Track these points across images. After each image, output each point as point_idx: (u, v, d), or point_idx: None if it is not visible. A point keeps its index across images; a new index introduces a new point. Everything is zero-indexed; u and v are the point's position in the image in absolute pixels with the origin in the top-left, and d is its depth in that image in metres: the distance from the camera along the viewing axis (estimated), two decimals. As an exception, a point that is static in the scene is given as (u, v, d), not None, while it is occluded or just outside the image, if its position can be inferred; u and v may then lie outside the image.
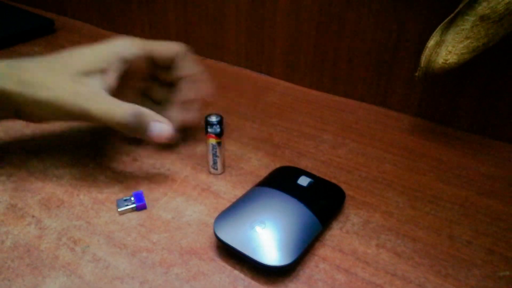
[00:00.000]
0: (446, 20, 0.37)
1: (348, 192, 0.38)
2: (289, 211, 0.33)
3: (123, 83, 0.40)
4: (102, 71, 0.38)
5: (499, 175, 0.41)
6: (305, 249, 0.31)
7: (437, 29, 0.38)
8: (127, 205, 0.36)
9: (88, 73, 0.37)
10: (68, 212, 0.35)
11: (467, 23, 0.36)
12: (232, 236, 0.31)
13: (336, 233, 0.34)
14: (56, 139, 0.44)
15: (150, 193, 0.38)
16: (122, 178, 0.39)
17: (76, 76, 0.36)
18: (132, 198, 0.36)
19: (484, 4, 0.35)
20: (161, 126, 0.36)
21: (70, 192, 0.37)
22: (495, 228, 0.35)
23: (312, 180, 0.37)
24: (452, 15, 0.37)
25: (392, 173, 0.41)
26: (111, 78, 0.38)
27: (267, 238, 0.31)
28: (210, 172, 0.40)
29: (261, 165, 0.42)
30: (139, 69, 0.42)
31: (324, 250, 0.33)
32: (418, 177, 0.41)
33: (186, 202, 0.37)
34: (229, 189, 0.39)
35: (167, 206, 0.37)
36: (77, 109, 0.35)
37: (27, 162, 0.41)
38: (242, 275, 0.31)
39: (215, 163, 0.40)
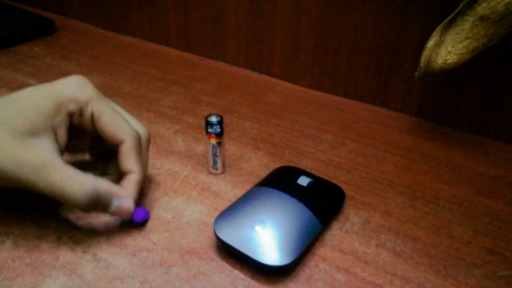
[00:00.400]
0: (445, 20, 0.37)
1: (348, 192, 0.38)
2: (289, 211, 0.33)
3: (71, 134, 0.34)
4: (52, 130, 0.31)
5: (499, 175, 0.41)
6: (305, 249, 0.31)
7: (437, 29, 0.38)
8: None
9: (35, 133, 0.30)
10: (68, 212, 0.35)
11: (467, 23, 0.36)
12: (232, 236, 0.31)
13: (336, 233, 0.34)
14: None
15: (150, 193, 0.38)
16: (122, 178, 0.39)
17: (20, 138, 0.30)
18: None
19: (484, 4, 0.35)
20: (119, 203, 0.32)
21: (70, 192, 0.37)
22: (494, 228, 0.35)
23: (312, 180, 0.37)
24: (451, 15, 0.37)
25: (392, 173, 0.41)
26: (62, 136, 0.32)
27: (267, 238, 0.31)
28: (210, 172, 0.40)
29: (261, 165, 0.42)
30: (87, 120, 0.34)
31: (324, 250, 0.33)
32: (418, 177, 0.41)
33: (186, 202, 0.37)
34: (229, 189, 0.39)
35: (167, 206, 0.37)
36: (23, 182, 0.30)
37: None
38: (242, 275, 0.31)
39: (215, 163, 0.40)
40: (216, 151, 0.39)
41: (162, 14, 0.64)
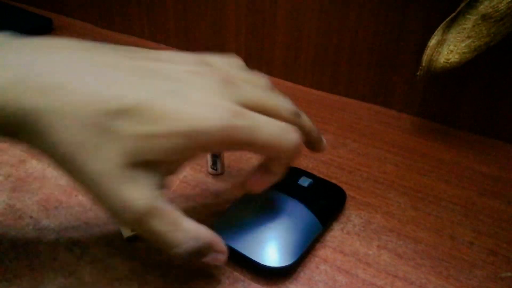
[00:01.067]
0: (447, 19, 0.37)
1: (349, 192, 0.38)
2: (289, 212, 0.33)
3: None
4: (172, 163, 0.26)
5: (501, 176, 0.41)
6: (305, 250, 0.31)
7: (439, 28, 0.38)
8: (134, 231, 0.33)
9: (149, 164, 0.24)
10: (66, 213, 0.35)
11: (469, 22, 0.36)
12: (232, 237, 0.31)
13: (337, 234, 0.34)
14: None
15: (150, 194, 0.38)
16: (121, 178, 0.39)
17: (126, 171, 0.24)
18: None
19: (486, 3, 0.35)
20: (215, 257, 0.28)
21: (69, 193, 0.37)
22: (496, 229, 0.35)
23: (313, 181, 0.36)
24: (453, 14, 0.37)
25: (393, 173, 0.41)
26: (175, 169, 0.27)
27: (267, 239, 0.31)
28: (209, 173, 0.40)
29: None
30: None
31: (325, 251, 0.33)
32: (419, 178, 0.41)
33: (185, 203, 0.37)
34: (229, 190, 0.38)
35: (166, 206, 0.36)
36: (113, 219, 0.26)
37: (26, 163, 0.40)
38: (241, 277, 0.30)
39: (214, 163, 0.39)
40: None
41: (161, 13, 0.64)
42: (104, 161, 0.23)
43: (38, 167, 0.40)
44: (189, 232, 0.26)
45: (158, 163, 0.25)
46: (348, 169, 0.41)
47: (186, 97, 0.25)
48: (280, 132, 0.27)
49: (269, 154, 0.28)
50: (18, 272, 0.30)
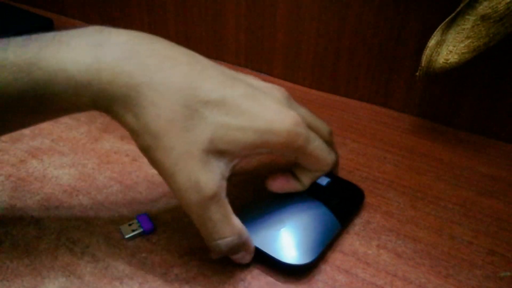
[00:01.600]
0: (447, 20, 0.37)
1: (348, 192, 0.38)
2: (307, 210, 0.33)
3: None
4: (238, 157, 0.28)
5: (500, 176, 0.41)
6: (324, 249, 0.31)
7: (438, 28, 0.38)
8: (135, 230, 0.33)
9: (221, 154, 0.27)
10: (67, 213, 0.35)
11: (468, 22, 0.36)
12: (250, 234, 0.31)
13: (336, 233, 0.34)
14: (55, 140, 0.44)
15: (150, 194, 0.38)
16: (121, 178, 0.39)
17: (205, 155, 0.27)
18: (137, 221, 0.34)
19: (485, 3, 0.35)
20: (243, 257, 0.30)
21: (69, 193, 0.37)
22: (496, 228, 0.35)
23: (331, 180, 0.36)
24: (453, 14, 0.37)
25: (393, 173, 0.41)
26: (235, 165, 0.29)
27: (286, 236, 0.31)
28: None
29: (261, 165, 0.42)
30: None
31: (325, 251, 0.33)
32: (419, 177, 0.41)
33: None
34: (230, 189, 0.38)
35: (166, 206, 0.36)
36: (180, 202, 0.27)
37: (26, 163, 0.41)
38: (241, 276, 0.30)
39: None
40: (216, 151, 0.39)
41: (162, 14, 0.64)
42: (190, 142, 0.26)
43: (38, 167, 0.40)
44: (235, 227, 0.28)
45: (227, 154, 0.27)
46: (348, 169, 0.41)
47: (262, 102, 0.29)
48: (326, 149, 0.32)
49: (312, 164, 0.32)
50: (19, 271, 0.30)
